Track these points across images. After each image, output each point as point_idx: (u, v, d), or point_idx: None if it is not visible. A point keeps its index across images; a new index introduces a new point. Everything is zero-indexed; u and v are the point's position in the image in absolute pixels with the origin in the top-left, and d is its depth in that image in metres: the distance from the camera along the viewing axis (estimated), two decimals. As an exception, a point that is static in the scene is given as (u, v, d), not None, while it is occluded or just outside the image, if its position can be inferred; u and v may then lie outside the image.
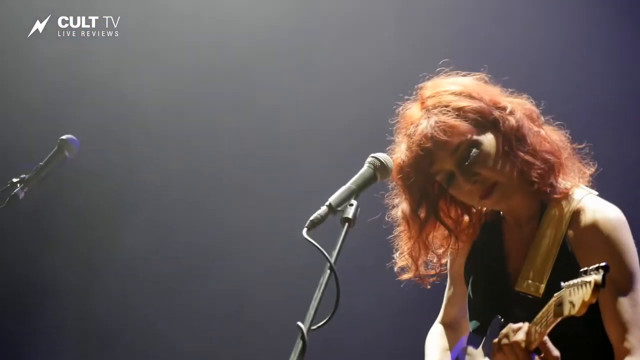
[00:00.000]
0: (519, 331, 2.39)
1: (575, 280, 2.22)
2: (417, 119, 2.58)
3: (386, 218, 2.78)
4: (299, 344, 2.19)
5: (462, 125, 2.53)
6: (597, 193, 2.68)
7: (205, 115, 5.34)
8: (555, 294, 2.29)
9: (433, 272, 2.81)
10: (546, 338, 2.39)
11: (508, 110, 2.59)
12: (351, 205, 2.25)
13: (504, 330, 2.41)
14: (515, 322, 2.48)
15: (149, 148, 5.32)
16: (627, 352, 2.51)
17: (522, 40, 4.99)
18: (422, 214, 2.69)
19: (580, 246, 2.57)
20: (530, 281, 2.59)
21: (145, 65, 5.33)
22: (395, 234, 2.77)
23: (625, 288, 2.53)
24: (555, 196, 2.61)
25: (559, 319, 2.31)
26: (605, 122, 4.82)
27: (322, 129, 5.20)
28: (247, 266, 5.21)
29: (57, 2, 5.26)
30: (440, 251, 2.78)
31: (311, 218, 2.22)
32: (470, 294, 2.79)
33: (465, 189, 2.57)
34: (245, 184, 5.25)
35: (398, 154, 2.61)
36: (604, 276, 2.17)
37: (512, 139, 2.57)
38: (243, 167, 5.28)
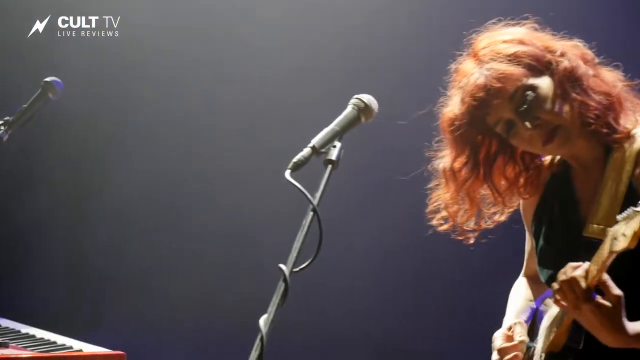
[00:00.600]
0: (577, 268, 2.36)
1: (627, 211, 2.21)
2: (469, 71, 2.58)
3: (428, 168, 2.77)
4: (281, 287, 2.20)
5: (516, 70, 2.52)
6: None
7: (205, 112, 5.44)
8: (610, 228, 2.28)
9: (475, 227, 2.78)
10: (606, 276, 2.36)
11: (560, 53, 2.58)
12: (334, 147, 2.27)
13: (563, 269, 2.39)
14: None
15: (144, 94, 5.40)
16: None
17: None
18: (471, 169, 2.67)
19: None
20: (598, 225, 2.56)
21: (145, 65, 5.42)
22: (434, 185, 2.76)
23: None
24: (616, 136, 2.59)
25: (614, 255, 2.29)
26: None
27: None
28: (241, 210, 5.30)
29: (57, 2, 5.33)
30: (493, 208, 2.76)
31: (294, 160, 2.24)
32: (543, 243, 2.75)
33: (526, 135, 2.54)
34: (239, 129, 5.34)
35: (450, 106, 2.61)
36: None
37: (567, 81, 2.55)
38: (237, 114, 5.37)
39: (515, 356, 2.72)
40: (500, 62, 2.54)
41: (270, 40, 5.37)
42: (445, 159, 2.70)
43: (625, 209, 2.43)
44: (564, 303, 2.41)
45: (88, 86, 5.43)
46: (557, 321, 2.60)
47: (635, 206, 2.23)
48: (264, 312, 2.20)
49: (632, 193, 2.56)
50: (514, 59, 2.54)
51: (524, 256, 3.01)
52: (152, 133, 5.50)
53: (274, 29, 5.37)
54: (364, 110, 2.34)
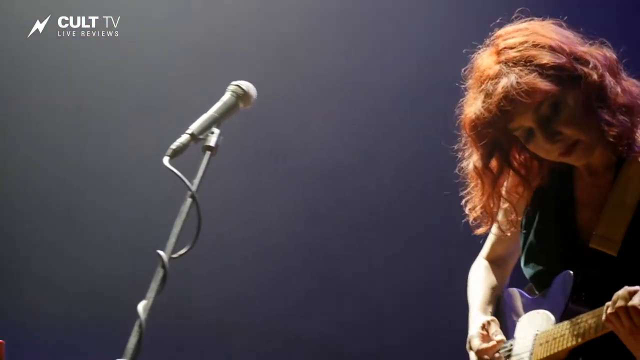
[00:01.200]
0: (635, 294, 2.36)
1: None
2: (494, 74, 2.55)
3: (456, 171, 2.78)
4: (159, 272, 2.25)
5: (545, 84, 2.51)
6: None
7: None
8: None
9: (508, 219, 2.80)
10: None
11: (591, 65, 2.56)
12: (213, 133, 2.31)
13: (620, 293, 2.37)
14: (587, 279, 2.53)
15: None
16: None
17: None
18: (495, 165, 2.69)
19: None
20: (605, 237, 2.57)
21: (145, 65, 5.52)
22: (466, 187, 2.78)
23: None
24: (633, 153, 2.59)
25: None
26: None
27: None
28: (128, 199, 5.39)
29: (57, 2, 5.41)
30: (515, 199, 2.77)
31: (172, 146, 2.29)
32: (533, 238, 2.76)
33: (545, 147, 2.57)
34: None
35: (473, 109, 2.60)
36: None
37: (594, 96, 2.54)
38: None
39: (498, 358, 2.71)
40: (529, 72, 2.51)
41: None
42: (473, 157, 2.71)
43: (635, 226, 2.50)
44: (617, 327, 2.40)
45: (88, 86, 5.52)
46: (558, 341, 2.57)
47: None
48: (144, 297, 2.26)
49: None
50: (544, 70, 2.52)
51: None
52: (152, 133, 5.59)
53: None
54: (242, 96, 2.39)
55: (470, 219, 2.79)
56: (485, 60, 2.62)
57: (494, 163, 2.69)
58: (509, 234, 2.83)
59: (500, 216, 2.80)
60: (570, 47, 2.58)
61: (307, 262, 5.45)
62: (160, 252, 2.25)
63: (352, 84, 5.39)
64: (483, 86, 2.57)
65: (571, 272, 2.61)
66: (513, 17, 2.71)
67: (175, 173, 2.25)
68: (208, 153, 2.29)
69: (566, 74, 2.54)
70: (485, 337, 2.74)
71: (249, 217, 5.38)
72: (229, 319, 5.42)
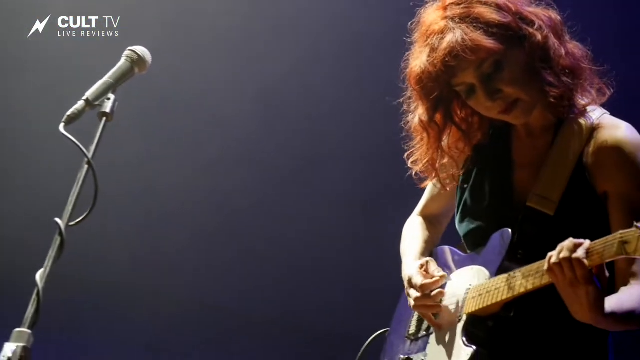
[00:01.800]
0: (579, 247, 2.37)
1: None
2: (440, 30, 2.60)
3: (402, 125, 2.83)
4: (57, 240, 2.27)
5: (489, 42, 2.55)
6: (609, 113, 2.70)
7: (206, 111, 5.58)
8: (622, 231, 2.29)
9: (449, 174, 2.85)
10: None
11: (536, 26, 2.61)
12: (109, 99, 2.34)
13: (565, 244, 2.39)
14: (524, 237, 2.57)
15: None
16: (634, 275, 2.53)
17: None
18: (439, 119, 2.74)
19: (598, 165, 2.59)
20: (542, 197, 2.61)
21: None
22: (412, 141, 2.83)
23: None
24: (572, 115, 2.64)
25: (619, 257, 2.31)
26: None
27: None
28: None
29: (57, 2, 5.50)
30: (456, 154, 2.81)
31: (68, 113, 2.32)
32: (468, 196, 2.81)
33: (485, 104, 2.62)
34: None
35: (418, 63, 2.65)
36: None
37: (537, 56, 2.59)
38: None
39: (440, 293, 2.71)
40: (475, 29, 2.55)
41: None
42: (418, 111, 2.75)
43: (572, 186, 2.55)
44: (559, 277, 2.40)
45: (88, 86, 5.63)
46: (493, 294, 2.58)
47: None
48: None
49: (580, 170, 2.60)
50: (489, 28, 2.56)
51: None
52: (152, 132, 5.68)
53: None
54: (137, 61, 2.42)
55: (414, 172, 2.83)
56: (431, 15, 2.66)
57: (438, 117, 2.72)
58: (448, 189, 2.87)
59: (440, 171, 2.83)
60: (516, 7, 2.62)
61: (205, 227, 5.58)
62: (57, 220, 2.27)
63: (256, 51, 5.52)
64: (429, 41, 2.61)
65: (509, 230, 2.63)
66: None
67: (71, 140, 2.27)
68: (104, 119, 2.31)
69: (511, 33, 2.57)
70: (427, 275, 2.75)
71: (146, 184, 5.52)
72: (134, 282, 5.54)
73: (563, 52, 2.62)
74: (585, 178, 2.60)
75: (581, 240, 2.37)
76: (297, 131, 5.61)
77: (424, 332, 2.78)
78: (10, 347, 2.10)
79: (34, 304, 2.25)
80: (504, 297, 2.51)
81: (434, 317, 2.72)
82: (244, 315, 5.59)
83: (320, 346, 5.49)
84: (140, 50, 2.44)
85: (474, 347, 2.56)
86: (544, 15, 2.65)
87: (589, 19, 2.88)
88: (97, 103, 2.33)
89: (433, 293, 2.70)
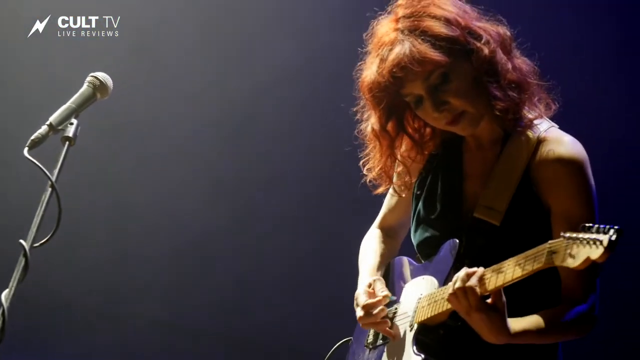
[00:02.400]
0: (472, 276, 2.48)
1: (580, 235, 2.29)
2: (390, 41, 2.69)
3: (355, 133, 2.92)
4: (21, 261, 2.36)
5: (436, 54, 2.63)
6: (558, 127, 2.78)
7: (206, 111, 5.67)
8: (551, 241, 2.37)
9: (403, 181, 2.96)
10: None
11: (484, 40, 2.69)
12: (72, 124, 2.43)
13: (459, 274, 2.51)
14: (471, 247, 2.68)
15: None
16: (577, 295, 2.63)
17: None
18: (391, 128, 2.83)
19: (543, 178, 2.68)
20: (489, 208, 2.71)
21: (145, 65, 5.68)
22: (366, 149, 2.92)
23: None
24: (519, 128, 2.73)
25: (547, 266, 2.39)
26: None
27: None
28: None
29: (57, 2, 5.59)
30: (409, 163, 2.91)
31: (32, 137, 2.41)
32: (421, 208, 2.90)
33: (432, 115, 2.70)
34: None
35: (369, 73, 2.74)
36: (617, 238, 2.22)
37: (484, 70, 2.67)
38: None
39: (382, 310, 2.83)
40: (423, 42, 2.64)
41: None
42: (371, 119, 2.85)
43: (518, 197, 2.65)
44: (456, 306, 2.53)
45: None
46: (440, 304, 2.68)
47: (588, 229, 2.29)
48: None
49: (526, 182, 2.69)
50: (437, 41, 2.65)
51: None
52: (152, 132, 5.76)
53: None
54: (99, 87, 2.50)
55: (368, 179, 2.92)
56: (384, 26, 2.75)
57: (390, 126, 2.82)
58: (403, 195, 2.96)
59: (395, 178, 2.93)
60: (465, 21, 2.69)
61: (173, 245, 5.67)
62: (22, 242, 2.36)
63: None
64: (379, 51, 2.70)
65: (457, 240, 2.73)
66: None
67: (35, 163, 2.36)
68: (67, 143, 2.40)
69: (458, 47, 2.65)
70: (371, 294, 2.86)
71: (109, 204, 5.63)
72: (86, 303, 5.63)
73: (510, 66, 2.69)
74: (531, 189, 2.68)
75: (474, 269, 2.49)
76: (259, 154, 5.68)
77: (381, 341, 2.88)
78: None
79: (-2, 324, 2.34)
80: (449, 307, 2.60)
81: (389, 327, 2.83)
82: (214, 333, 5.68)
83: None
84: (102, 76, 2.53)
85: (422, 356, 2.67)
86: (493, 31, 2.72)
87: (539, 35, 2.95)
88: (60, 127, 2.42)
89: (374, 312, 2.80)
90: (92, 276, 5.65)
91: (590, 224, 2.27)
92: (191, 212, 5.68)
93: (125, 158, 5.70)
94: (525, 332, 2.54)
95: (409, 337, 2.74)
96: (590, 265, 2.36)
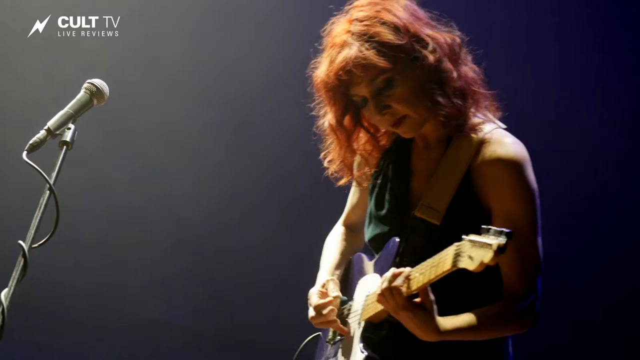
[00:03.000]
0: (398, 276, 2.58)
1: (477, 238, 2.38)
2: (340, 43, 2.78)
3: (314, 129, 2.99)
4: (20, 262, 2.47)
5: (381, 61, 2.72)
6: (505, 127, 2.85)
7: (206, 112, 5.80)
8: (456, 244, 2.46)
9: (361, 173, 3.03)
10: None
11: (430, 48, 2.76)
12: (69, 129, 2.54)
13: (386, 275, 2.61)
14: (412, 246, 2.78)
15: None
16: (517, 293, 2.70)
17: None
18: (348, 121, 2.91)
19: (483, 179, 2.76)
20: (430, 207, 2.80)
21: (144, 65, 5.80)
22: (325, 143, 2.99)
23: (523, 228, 2.71)
24: (462, 133, 2.81)
25: (454, 269, 2.47)
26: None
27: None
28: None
29: (57, 2, 5.71)
30: (366, 154, 3.00)
31: (30, 142, 2.50)
32: (373, 205, 3.00)
33: (376, 117, 2.80)
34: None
35: (319, 72, 2.84)
36: (506, 243, 2.31)
37: (428, 78, 2.75)
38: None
39: (332, 310, 2.93)
40: (370, 47, 2.73)
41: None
42: (327, 115, 2.93)
43: (458, 198, 2.74)
44: (385, 306, 2.64)
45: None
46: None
47: (487, 231, 2.37)
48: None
49: (466, 182, 2.78)
50: (383, 48, 2.74)
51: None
52: (152, 132, 5.87)
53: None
54: (95, 93, 2.61)
55: (330, 172, 2.99)
56: (338, 27, 2.83)
57: (347, 120, 2.90)
58: (365, 185, 3.04)
59: (355, 170, 3.01)
60: (414, 28, 2.77)
61: (165, 248, 5.78)
62: (21, 242, 2.47)
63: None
64: (330, 52, 2.80)
65: (397, 238, 2.84)
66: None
67: (33, 167, 2.48)
68: (64, 148, 2.51)
69: (404, 54, 2.73)
70: (323, 294, 2.96)
71: (103, 208, 5.75)
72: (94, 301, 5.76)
73: (455, 74, 2.76)
74: (472, 190, 2.76)
75: (402, 270, 2.58)
76: (261, 155, 5.79)
77: (338, 337, 3.01)
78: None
79: (-1, 321, 2.46)
80: (384, 310, 2.71)
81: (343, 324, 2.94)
82: (196, 331, 5.79)
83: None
84: (99, 82, 2.63)
85: (366, 353, 2.80)
86: (441, 38, 2.79)
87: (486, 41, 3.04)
88: (58, 132, 2.52)
89: (324, 312, 2.92)
90: (88, 275, 5.78)
91: (488, 227, 2.34)
92: (191, 212, 5.79)
93: (123, 158, 5.80)
94: (457, 330, 2.62)
95: (358, 334, 2.87)
96: (531, 263, 2.54)
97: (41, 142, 2.51)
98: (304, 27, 5.60)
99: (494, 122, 2.84)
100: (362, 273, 3.01)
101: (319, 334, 3.18)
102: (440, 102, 2.74)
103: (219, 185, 5.79)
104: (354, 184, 3.12)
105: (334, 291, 2.97)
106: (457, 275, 2.55)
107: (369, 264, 3.01)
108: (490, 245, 2.31)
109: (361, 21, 2.77)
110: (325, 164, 3.01)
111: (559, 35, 5.22)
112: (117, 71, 5.81)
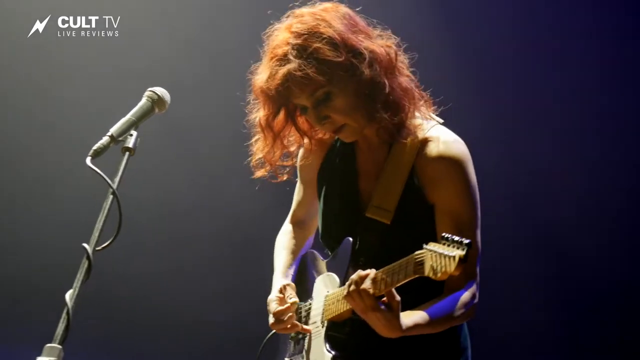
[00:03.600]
0: (365, 279, 2.73)
1: (438, 249, 2.53)
2: (282, 54, 2.93)
3: (244, 122, 3.17)
4: (84, 264, 2.59)
5: (320, 78, 2.89)
6: (442, 121, 3.04)
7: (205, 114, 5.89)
8: (417, 252, 2.61)
9: (285, 164, 3.21)
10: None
11: (367, 62, 2.92)
12: (131, 135, 2.67)
13: (353, 277, 2.75)
14: (365, 245, 2.94)
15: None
16: (455, 283, 2.89)
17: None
18: (280, 120, 3.09)
19: (426, 177, 2.95)
20: (379, 208, 2.97)
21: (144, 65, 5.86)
22: (253, 136, 3.17)
23: (465, 223, 2.90)
24: (400, 139, 2.98)
25: (417, 276, 2.64)
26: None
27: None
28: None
29: (57, 2, 5.75)
30: (293, 149, 3.18)
31: (94, 147, 2.63)
32: (322, 205, 3.17)
33: (316, 125, 3.01)
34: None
35: (259, 80, 3.00)
36: (467, 252, 2.48)
37: (364, 89, 2.92)
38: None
39: (290, 317, 3.10)
40: (309, 64, 2.89)
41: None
42: (260, 112, 3.10)
43: (405, 196, 2.90)
44: (353, 306, 2.78)
45: (88, 85, 5.88)
46: (342, 302, 2.94)
47: (446, 240, 2.54)
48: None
49: (412, 181, 2.96)
50: (321, 65, 2.90)
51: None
52: (152, 131, 5.95)
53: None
54: (157, 101, 2.75)
55: (252, 163, 3.16)
56: (279, 35, 3.00)
57: (280, 119, 3.07)
58: (285, 178, 3.20)
59: (280, 159, 3.16)
60: (352, 42, 2.93)
61: (227, 253, 5.90)
62: (85, 245, 2.58)
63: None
64: (271, 63, 2.96)
65: (350, 238, 3.02)
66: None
67: (97, 172, 2.60)
68: (127, 154, 2.64)
69: (341, 70, 2.90)
70: (282, 300, 3.12)
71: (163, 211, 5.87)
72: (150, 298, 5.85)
73: (391, 86, 2.94)
74: (418, 188, 2.95)
75: (367, 272, 2.73)
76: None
77: (301, 335, 3.17)
78: (42, 361, 2.42)
79: (64, 322, 2.55)
80: (348, 307, 2.87)
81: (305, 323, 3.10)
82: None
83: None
84: (160, 91, 2.76)
85: (333, 353, 2.97)
86: (378, 50, 2.96)
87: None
88: (120, 139, 2.65)
89: (284, 318, 3.09)
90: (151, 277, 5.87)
91: (448, 235, 2.51)
92: (249, 214, 5.86)
93: (186, 163, 5.88)
94: (416, 325, 2.79)
95: (322, 334, 3.02)
96: (472, 255, 2.66)
97: (104, 148, 2.64)
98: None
99: (432, 119, 3.02)
100: (318, 272, 3.16)
101: None
102: (377, 116, 2.92)
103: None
104: (297, 186, 3.32)
105: (292, 297, 3.13)
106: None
107: (322, 263, 3.16)
108: (452, 257, 2.48)
109: (301, 35, 2.92)
110: (251, 156, 3.16)
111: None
112: (118, 70, 5.86)
